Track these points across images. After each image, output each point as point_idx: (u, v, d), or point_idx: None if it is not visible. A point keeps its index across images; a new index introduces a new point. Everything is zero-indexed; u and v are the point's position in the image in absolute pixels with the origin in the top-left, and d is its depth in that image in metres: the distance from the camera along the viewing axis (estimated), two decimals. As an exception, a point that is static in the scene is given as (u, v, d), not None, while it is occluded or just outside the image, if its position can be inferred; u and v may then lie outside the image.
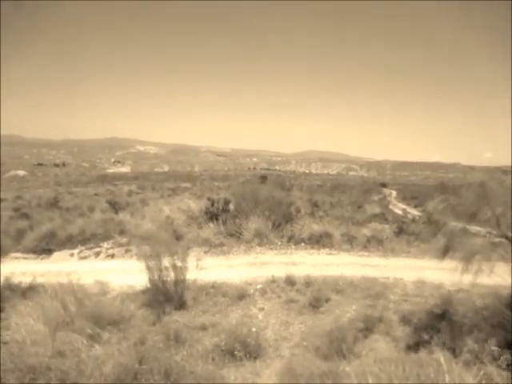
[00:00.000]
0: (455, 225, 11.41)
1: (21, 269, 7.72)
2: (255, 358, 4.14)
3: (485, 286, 5.49)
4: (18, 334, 3.94)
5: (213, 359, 4.03)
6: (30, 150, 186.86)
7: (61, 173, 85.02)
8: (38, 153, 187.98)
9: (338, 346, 4.07)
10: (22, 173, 77.71)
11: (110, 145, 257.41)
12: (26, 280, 6.52)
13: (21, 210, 14.73)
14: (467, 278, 5.01)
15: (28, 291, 5.94)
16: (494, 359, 3.45)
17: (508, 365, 3.51)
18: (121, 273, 7.54)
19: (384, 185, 55.71)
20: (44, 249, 9.83)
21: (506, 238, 4.67)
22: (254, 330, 4.47)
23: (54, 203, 18.26)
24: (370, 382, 2.94)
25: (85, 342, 3.93)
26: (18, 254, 9.48)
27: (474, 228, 6.38)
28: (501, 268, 4.91)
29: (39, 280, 6.54)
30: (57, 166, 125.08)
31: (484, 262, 4.73)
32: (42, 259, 9.39)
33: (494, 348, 3.73)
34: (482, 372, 3.03)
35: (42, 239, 10.19)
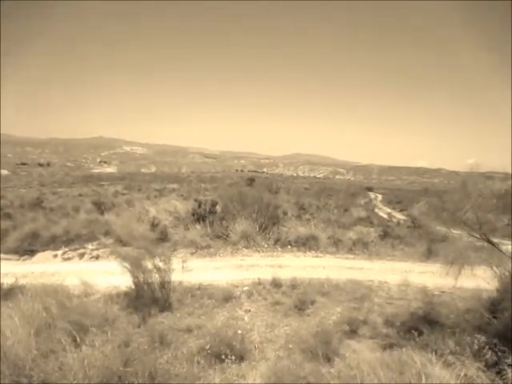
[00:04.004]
0: (439, 229, 11.64)
1: (3, 270, 7.56)
2: (241, 360, 4.13)
3: (467, 288, 5.61)
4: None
5: (198, 362, 4.01)
6: (13, 148, 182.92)
7: (45, 172, 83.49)
8: (21, 152, 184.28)
9: (322, 348, 4.09)
10: (4, 172, 76.10)
11: (96, 144, 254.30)
12: (7, 281, 6.39)
13: (3, 211, 14.40)
14: (450, 281, 5.11)
15: (10, 293, 5.82)
16: (475, 360, 3.52)
17: (488, 366, 3.59)
18: (105, 274, 7.45)
19: (370, 189, 56.34)
20: (27, 249, 9.66)
21: (489, 241, 4.77)
22: (239, 332, 4.46)
23: (37, 203, 17.92)
24: (354, 382, 2.97)
25: (68, 344, 3.87)
26: (0, 255, 9.28)
27: (456, 232, 6.51)
28: (482, 271, 5.03)
29: (21, 281, 6.42)
30: (41, 165, 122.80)
31: (466, 266, 4.83)
32: (24, 260, 9.23)
33: (475, 350, 3.81)
34: (462, 373, 3.09)
35: (24, 240, 10.00)
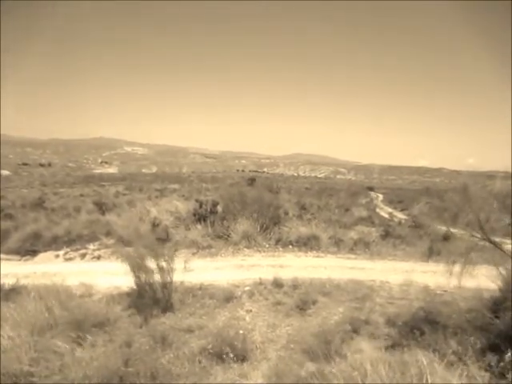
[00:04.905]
0: (440, 228, 11.63)
1: (4, 270, 7.57)
2: (242, 360, 4.13)
3: (469, 288, 5.59)
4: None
5: (200, 362, 4.01)
6: (14, 149, 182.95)
7: (46, 173, 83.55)
8: (22, 152, 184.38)
9: (324, 348, 4.09)
10: (6, 172, 76.15)
11: (97, 145, 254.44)
12: (9, 282, 6.39)
13: (4, 211, 14.42)
14: (451, 281, 5.10)
15: (11, 293, 5.83)
16: (477, 360, 3.51)
17: (490, 366, 3.58)
18: (107, 274, 7.46)
19: (371, 188, 56.22)
20: (28, 250, 9.68)
21: (490, 241, 4.75)
22: (241, 332, 4.46)
23: (39, 204, 17.94)
24: (356, 382, 2.96)
25: (69, 344, 3.87)
26: (2, 256, 9.30)
27: (458, 231, 6.48)
28: (484, 271, 5.01)
29: (23, 282, 6.43)
30: (42, 165, 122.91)
31: (468, 265, 4.82)
32: (25, 260, 9.24)
33: (477, 350, 3.80)
34: (464, 373, 3.08)
35: (26, 240, 10.03)
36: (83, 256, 9.37)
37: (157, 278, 5.76)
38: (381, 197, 41.33)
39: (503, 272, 4.84)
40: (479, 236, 4.74)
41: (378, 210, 25.23)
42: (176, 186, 37.24)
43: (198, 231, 10.66)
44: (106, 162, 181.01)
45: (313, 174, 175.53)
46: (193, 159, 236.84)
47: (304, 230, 10.51)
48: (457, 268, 4.88)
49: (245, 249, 9.67)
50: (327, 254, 9.56)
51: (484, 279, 5.14)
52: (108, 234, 10.71)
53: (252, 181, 30.36)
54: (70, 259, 9.25)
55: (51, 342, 3.91)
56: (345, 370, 3.23)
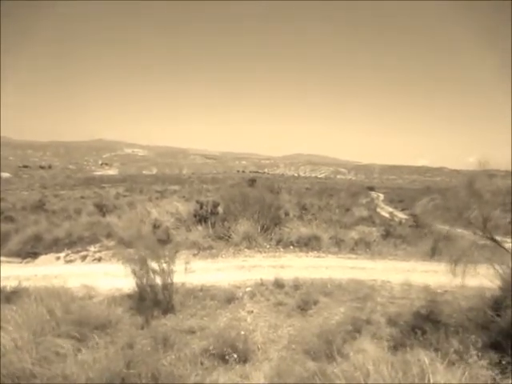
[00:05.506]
0: (441, 227, 11.61)
1: (5, 273, 7.58)
2: (244, 361, 4.13)
3: (470, 287, 5.58)
4: (2, 340, 3.86)
5: (201, 363, 4.01)
6: (14, 151, 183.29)
7: (47, 175, 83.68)
8: (22, 154, 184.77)
9: (326, 348, 4.09)
10: (6, 175, 76.22)
11: (97, 147, 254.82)
12: (10, 284, 6.39)
13: (5, 213, 14.44)
14: (453, 280, 5.09)
15: (12, 296, 5.83)
16: (479, 359, 3.51)
17: (492, 364, 3.58)
18: (108, 276, 7.47)
19: (372, 188, 56.22)
20: (29, 252, 9.69)
21: (493, 239, 4.75)
22: (242, 333, 4.46)
23: (39, 206, 17.97)
24: (358, 382, 2.96)
25: (71, 346, 3.87)
26: (3, 258, 9.31)
27: (459, 230, 6.47)
28: (485, 269, 5.00)
29: (24, 284, 6.44)
30: (42, 168, 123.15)
31: (469, 264, 4.81)
32: (26, 263, 9.25)
33: (479, 348, 3.79)
34: (466, 372, 3.07)
35: (27, 242, 10.04)
36: (84, 258, 9.37)
37: (158, 279, 5.76)
38: (381, 196, 41.35)
39: (502, 271, 4.83)
40: (481, 234, 4.74)
41: (378, 209, 25.23)
42: (176, 188, 37.29)
43: (198, 232, 10.66)
44: (107, 164, 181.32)
45: (313, 175, 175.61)
46: (193, 160, 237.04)
47: (305, 231, 10.50)
48: (458, 267, 4.87)
49: (246, 249, 9.66)
50: (328, 254, 9.55)
51: (485, 278, 5.13)
52: (109, 235, 10.71)
53: (252, 181, 30.32)
54: (71, 261, 9.25)
55: (53, 343, 3.91)
56: (347, 369, 3.23)
